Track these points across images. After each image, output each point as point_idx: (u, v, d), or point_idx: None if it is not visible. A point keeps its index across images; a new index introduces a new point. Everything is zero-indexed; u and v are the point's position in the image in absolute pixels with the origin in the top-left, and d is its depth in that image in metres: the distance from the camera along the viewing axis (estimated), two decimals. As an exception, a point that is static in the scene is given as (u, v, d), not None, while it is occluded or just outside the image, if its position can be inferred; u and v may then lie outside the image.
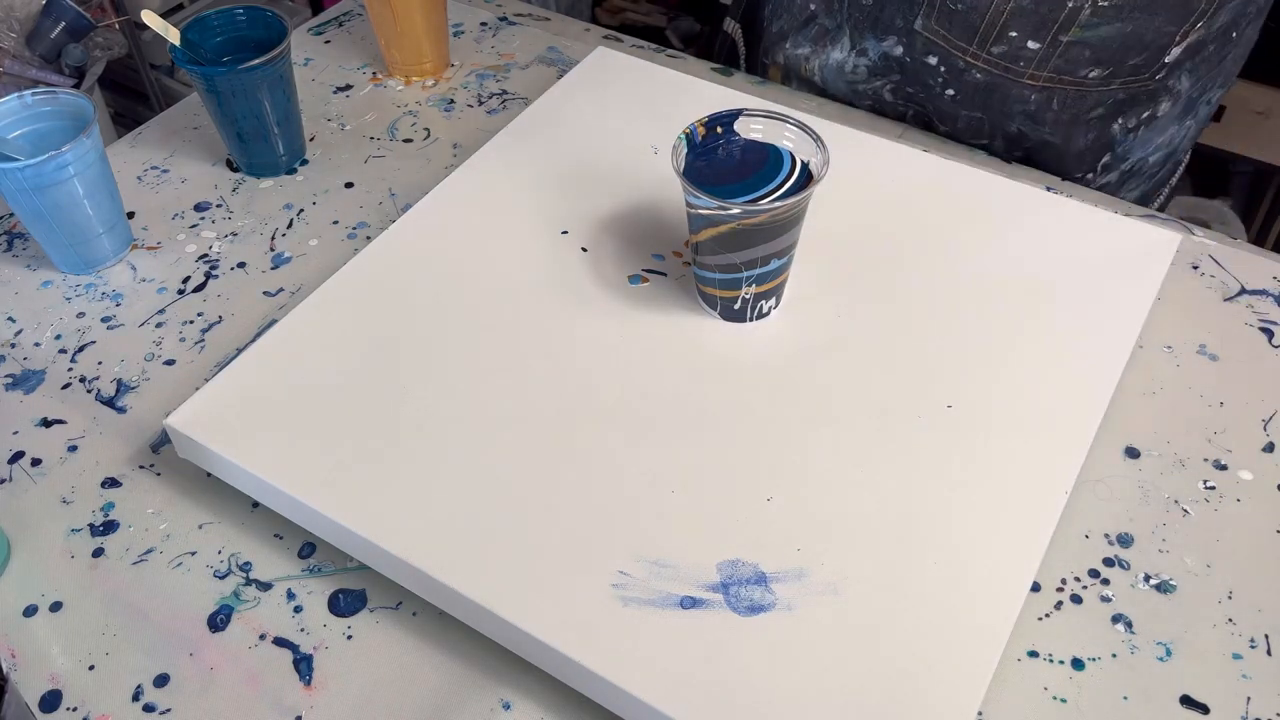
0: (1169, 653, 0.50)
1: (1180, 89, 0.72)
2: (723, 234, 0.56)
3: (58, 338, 0.66)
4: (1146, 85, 0.71)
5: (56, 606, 0.53)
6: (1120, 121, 0.74)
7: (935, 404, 0.56)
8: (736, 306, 0.60)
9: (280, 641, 0.51)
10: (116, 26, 1.42)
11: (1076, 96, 0.72)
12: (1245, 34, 0.72)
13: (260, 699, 0.49)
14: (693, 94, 0.76)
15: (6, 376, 0.64)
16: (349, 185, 0.75)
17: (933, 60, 0.73)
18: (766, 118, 0.59)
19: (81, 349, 0.65)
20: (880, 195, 0.68)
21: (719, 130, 0.59)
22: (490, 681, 0.50)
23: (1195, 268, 0.67)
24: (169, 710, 0.49)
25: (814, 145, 0.58)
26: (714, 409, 0.56)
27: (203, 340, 0.65)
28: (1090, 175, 0.77)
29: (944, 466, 0.53)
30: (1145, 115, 0.74)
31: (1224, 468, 0.56)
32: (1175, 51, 0.68)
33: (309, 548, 0.55)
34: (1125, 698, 0.48)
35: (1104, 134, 0.74)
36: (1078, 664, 0.49)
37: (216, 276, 0.69)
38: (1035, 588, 0.52)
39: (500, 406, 0.56)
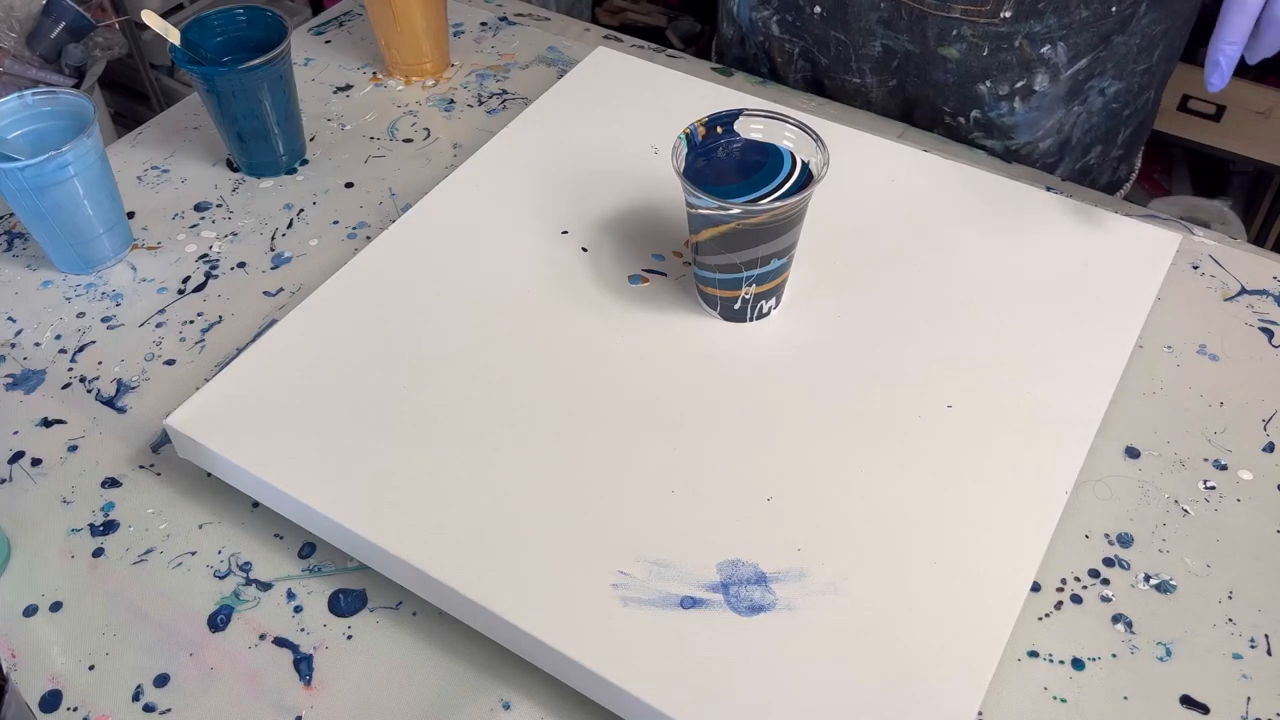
0: (1169, 653, 0.50)
1: (1056, 62, 0.73)
2: (723, 234, 0.56)
3: (58, 338, 0.66)
4: (994, 25, 0.72)
5: (56, 606, 0.53)
6: (988, 85, 0.75)
7: (935, 404, 0.56)
8: (736, 306, 0.60)
9: (280, 641, 0.51)
10: (116, 26, 1.42)
11: (919, 15, 0.73)
12: (1144, 28, 0.73)
13: (260, 699, 0.49)
14: (693, 94, 0.76)
15: (6, 376, 0.64)
16: (349, 185, 0.75)
17: None
18: (766, 118, 0.59)
19: (81, 349, 0.65)
20: (880, 195, 0.68)
21: (719, 130, 0.59)
22: (490, 681, 0.50)
23: (1195, 268, 0.67)
24: (169, 710, 0.49)
25: (814, 145, 0.58)
26: (714, 409, 0.56)
27: (203, 340, 0.65)
28: (963, 120, 0.78)
29: (944, 466, 0.53)
30: (1019, 85, 0.74)
31: (1224, 468, 0.56)
32: None
33: (309, 548, 0.55)
34: (1125, 698, 0.48)
35: (969, 89, 0.75)
36: (1078, 664, 0.49)
37: (216, 276, 0.69)
38: (1035, 588, 0.52)
39: (500, 406, 0.56)
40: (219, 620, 0.52)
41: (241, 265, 0.70)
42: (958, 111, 0.78)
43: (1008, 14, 0.71)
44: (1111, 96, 0.76)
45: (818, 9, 0.78)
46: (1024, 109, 0.75)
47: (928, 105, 0.79)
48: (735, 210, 0.54)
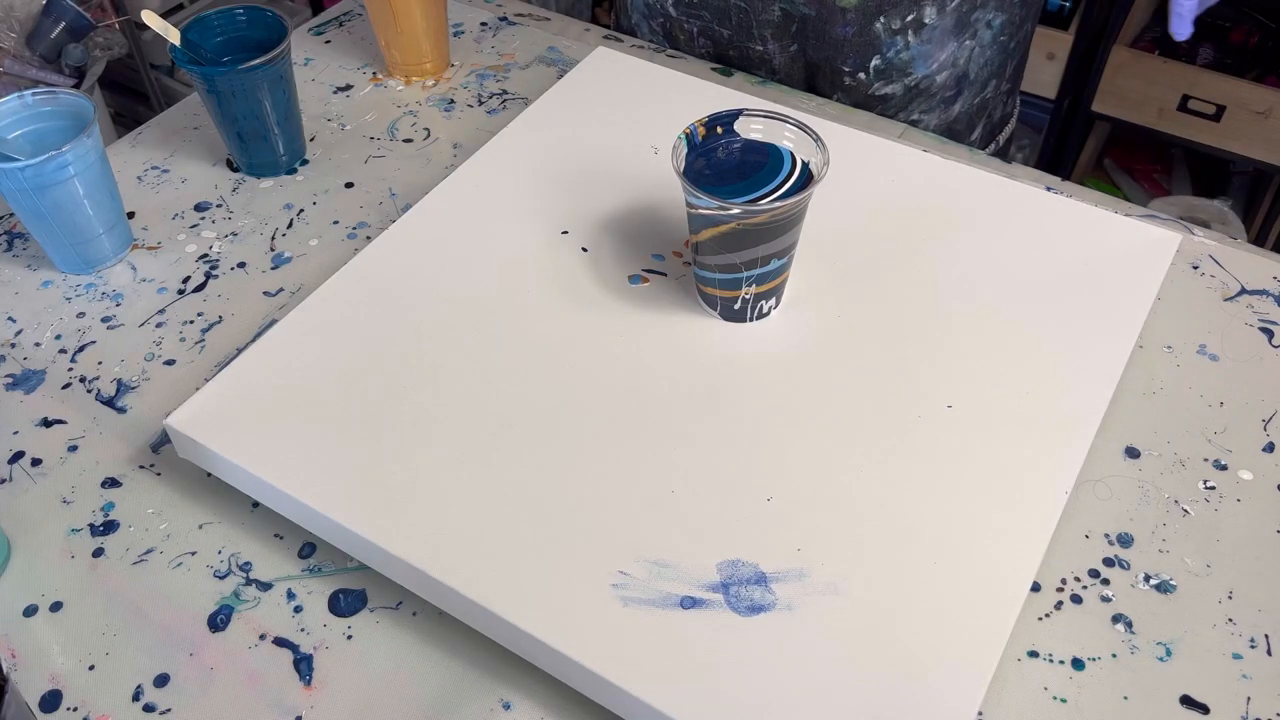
0: (1169, 653, 0.50)
1: None
2: (723, 234, 0.56)
3: (58, 338, 0.66)
4: None
5: (56, 606, 0.53)
6: (882, 21, 0.77)
7: (935, 404, 0.56)
8: (736, 306, 0.60)
9: (280, 641, 0.51)
10: (116, 26, 1.42)
11: None
12: None
13: (260, 699, 0.49)
14: (693, 94, 0.76)
15: (6, 376, 0.64)
16: (349, 185, 0.75)
17: None
18: (766, 118, 0.59)
19: (81, 349, 0.65)
20: (880, 195, 0.68)
21: (719, 130, 0.59)
22: (490, 681, 0.50)
23: (1195, 268, 0.67)
24: (169, 710, 0.49)
25: (814, 145, 0.58)
26: (714, 409, 0.56)
27: (203, 340, 0.65)
28: (864, 76, 0.80)
29: (944, 466, 0.53)
30: (910, 19, 0.77)
31: (1224, 468, 0.56)
32: None
33: (309, 548, 0.55)
34: (1125, 698, 0.48)
35: (866, 31, 0.78)
36: (1078, 664, 0.49)
37: (216, 276, 0.69)
38: (1035, 588, 0.52)
39: (500, 406, 0.56)
40: (219, 620, 0.52)
41: (241, 265, 0.70)
42: (858, 68, 0.80)
43: None
44: (999, 29, 0.80)
45: None
46: (917, 42, 0.78)
47: (828, 68, 0.81)
48: (735, 210, 0.54)
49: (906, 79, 0.80)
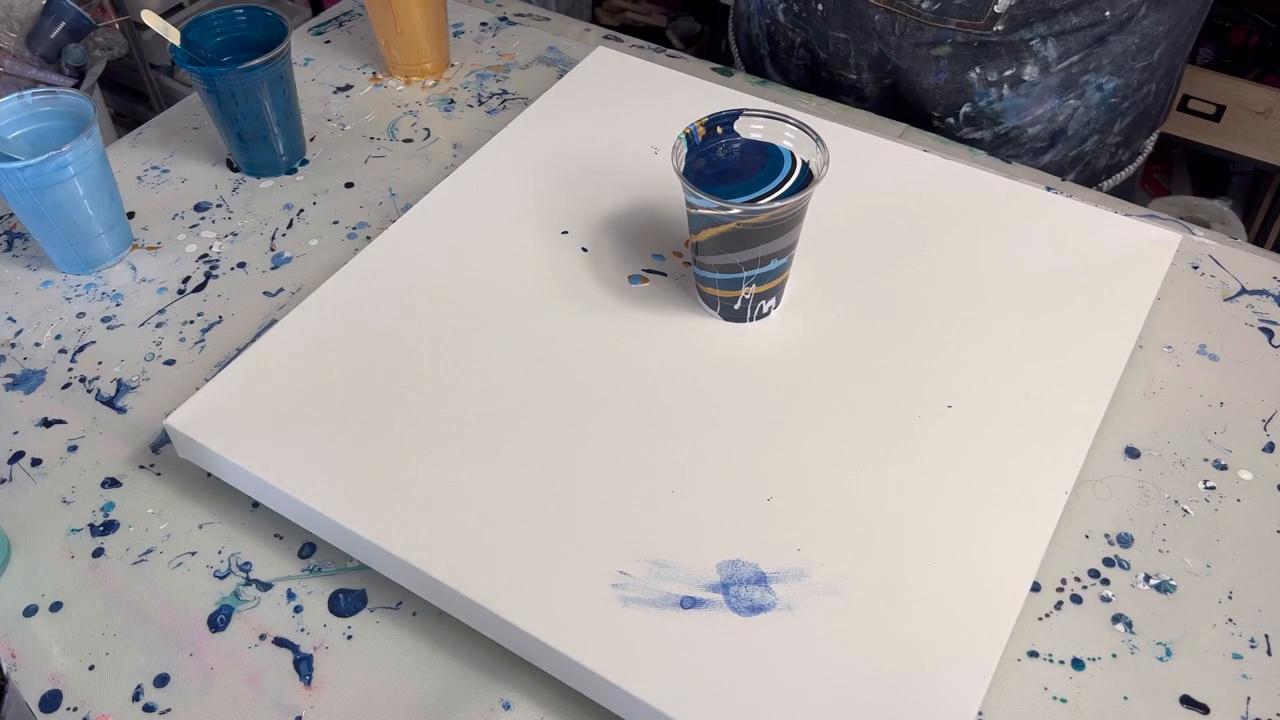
0: (1169, 653, 0.50)
1: (1046, 56, 0.73)
2: (723, 234, 0.56)
3: (58, 338, 0.66)
4: (987, 35, 0.72)
5: (56, 606, 0.53)
6: (978, 71, 0.75)
7: (935, 404, 0.56)
8: (736, 306, 0.60)
9: (280, 641, 0.51)
10: (116, 26, 1.42)
11: (915, 26, 0.74)
12: (1145, 28, 0.74)
13: (260, 699, 0.49)
14: (693, 94, 0.76)
15: (6, 376, 0.64)
16: (349, 185, 0.75)
17: None
18: (766, 118, 0.59)
19: (81, 349, 0.65)
20: (880, 195, 0.68)
21: (719, 130, 0.59)
22: (490, 681, 0.50)
23: (1195, 268, 0.67)
24: (169, 710, 0.49)
25: (814, 145, 0.58)
26: (714, 409, 0.56)
27: (203, 340, 0.65)
28: (953, 121, 0.79)
29: (944, 466, 0.53)
30: (1008, 74, 0.75)
31: (1224, 468, 0.56)
32: (1002, 2, 0.70)
33: (309, 548, 0.55)
34: (1125, 698, 0.48)
35: (959, 79, 0.76)
36: (1078, 664, 0.49)
37: (216, 276, 0.69)
38: (1035, 588, 0.52)
39: (500, 406, 0.56)
40: (219, 620, 0.52)
41: (241, 265, 0.70)
42: (947, 113, 0.78)
43: (1000, 27, 0.72)
44: (1110, 92, 0.76)
45: (820, 6, 0.78)
46: (1012, 95, 0.76)
47: (918, 109, 0.80)
48: (735, 210, 0.54)
49: (996, 127, 0.78)
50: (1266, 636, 0.50)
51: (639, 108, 0.75)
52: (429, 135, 0.79)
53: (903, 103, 0.80)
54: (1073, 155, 0.81)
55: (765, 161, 0.58)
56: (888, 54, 0.77)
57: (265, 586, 0.54)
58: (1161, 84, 0.80)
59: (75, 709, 0.49)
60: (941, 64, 0.75)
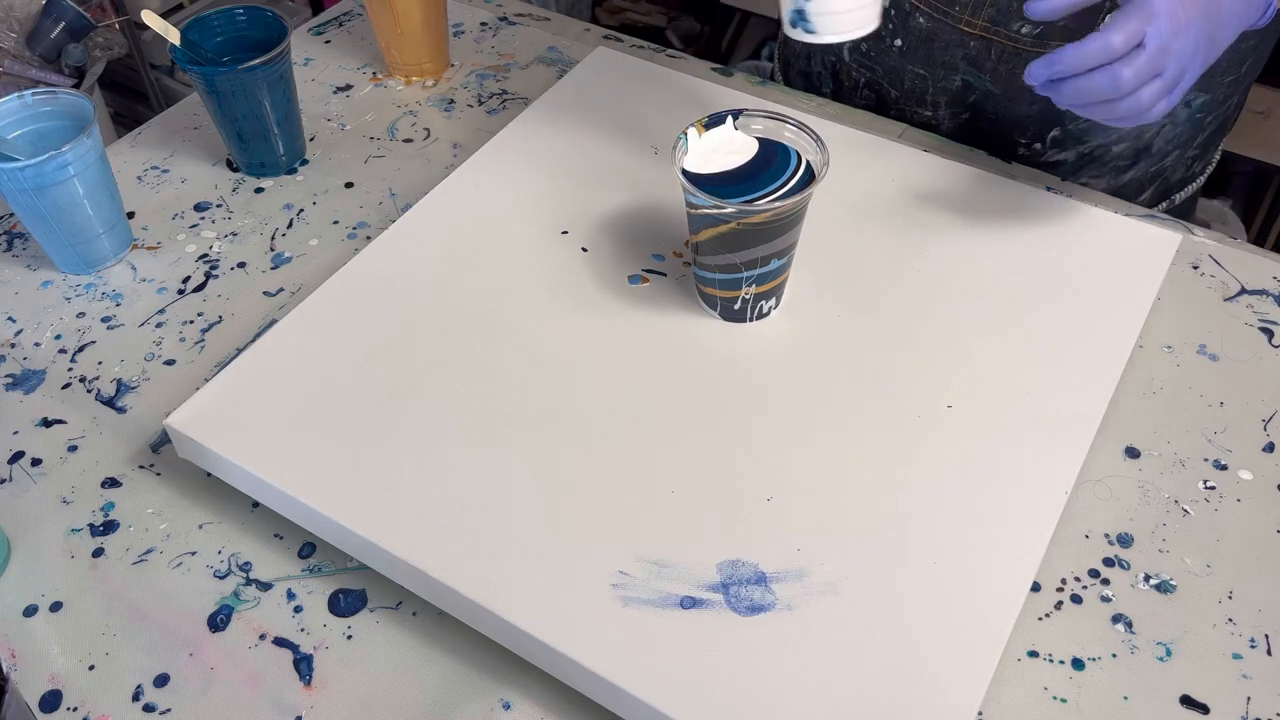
0: (1169, 653, 0.50)
1: None
2: (723, 234, 0.56)
3: (58, 338, 0.66)
4: None
5: (56, 606, 0.53)
6: None
7: (935, 404, 0.56)
8: (736, 306, 0.60)
9: (280, 641, 0.51)
10: (116, 26, 1.42)
11: (1013, 53, 0.72)
12: (1235, 44, 0.72)
13: (260, 699, 0.49)
14: (693, 94, 0.76)
15: (6, 376, 0.64)
16: (349, 185, 0.75)
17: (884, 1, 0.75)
18: (766, 118, 0.59)
19: (81, 349, 0.65)
20: (880, 195, 0.68)
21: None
22: (490, 681, 0.50)
23: (1195, 268, 0.67)
24: (169, 710, 0.49)
25: (814, 145, 0.58)
26: (714, 409, 0.56)
27: (203, 340, 0.65)
28: (1039, 146, 0.77)
29: (944, 466, 0.53)
30: None
31: (1224, 468, 0.56)
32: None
33: (309, 548, 0.55)
34: (1125, 698, 0.48)
35: (1052, 106, 0.73)
36: (1078, 664, 0.49)
37: (216, 276, 0.69)
38: (1035, 588, 0.52)
39: (500, 406, 0.56)
40: (219, 620, 0.52)
41: (241, 265, 0.70)
42: (1034, 139, 0.76)
43: None
44: (1197, 108, 0.76)
45: (898, 42, 0.76)
46: None
47: (1004, 138, 0.78)
48: (735, 210, 0.54)
49: (1081, 147, 0.76)
50: (1266, 636, 0.50)
51: (639, 108, 0.75)
52: (429, 135, 0.79)
53: (981, 133, 0.78)
54: (1153, 171, 0.80)
55: (766, 161, 0.58)
56: (975, 84, 0.75)
57: (265, 586, 0.54)
58: (1241, 96, 0.80)
59: (75, 709, 0.49)
60: (1036, 95, 0.74)
